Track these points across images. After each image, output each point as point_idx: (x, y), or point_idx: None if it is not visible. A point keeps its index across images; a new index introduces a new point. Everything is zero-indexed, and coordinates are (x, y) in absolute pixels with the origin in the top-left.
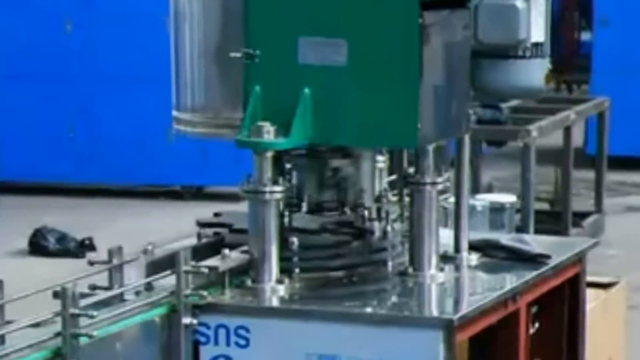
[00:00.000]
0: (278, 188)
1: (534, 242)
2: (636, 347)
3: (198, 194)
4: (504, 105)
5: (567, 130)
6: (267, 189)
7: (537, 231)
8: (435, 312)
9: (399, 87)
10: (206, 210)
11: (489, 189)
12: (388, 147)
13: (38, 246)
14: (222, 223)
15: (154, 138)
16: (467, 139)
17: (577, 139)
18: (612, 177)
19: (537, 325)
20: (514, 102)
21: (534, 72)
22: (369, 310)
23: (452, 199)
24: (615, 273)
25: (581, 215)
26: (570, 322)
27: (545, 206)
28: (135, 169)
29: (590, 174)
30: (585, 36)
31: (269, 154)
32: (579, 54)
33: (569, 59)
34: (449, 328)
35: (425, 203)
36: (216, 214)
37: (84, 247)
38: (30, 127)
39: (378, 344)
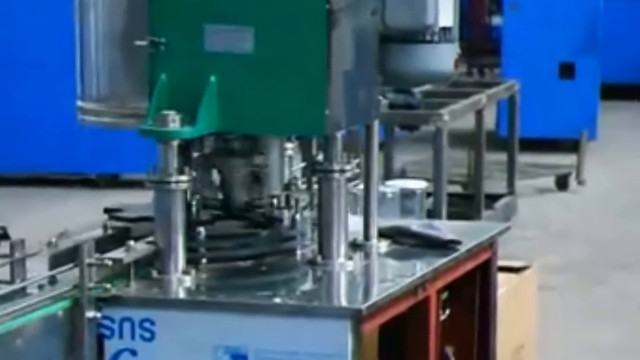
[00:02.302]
0: (184, 178)
1: (445, 228)
2: (549, 329)
3: (113, 182)
4: (416, 90)
5: (479, 114)
6: (173, 178)
7: (450, 214)
8: (343, 302)
9: (306, 73)
10: (122, 198)
11: (402, 174)
12: (296, 135)
13: None
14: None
15: (67, 126)
16: (376, 124)
17: (489, 121)
18: (523, 159)
19: (448, 311)
20: (427, 87)
21: (443, 57)
22: (277, 300)
23: (361, 186)
24: (528, 255)
25: (494, 198)
26: (481, 308)
27: (458, 189)
28: (50, 157)
29: (502, 156)
30: (496, 20)
31: (175, 143)
32: (491, 38)
33: (481, 43)
34: (356, 317)
35: (333, 191)
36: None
37: None
38: None
39: (287, 335)
